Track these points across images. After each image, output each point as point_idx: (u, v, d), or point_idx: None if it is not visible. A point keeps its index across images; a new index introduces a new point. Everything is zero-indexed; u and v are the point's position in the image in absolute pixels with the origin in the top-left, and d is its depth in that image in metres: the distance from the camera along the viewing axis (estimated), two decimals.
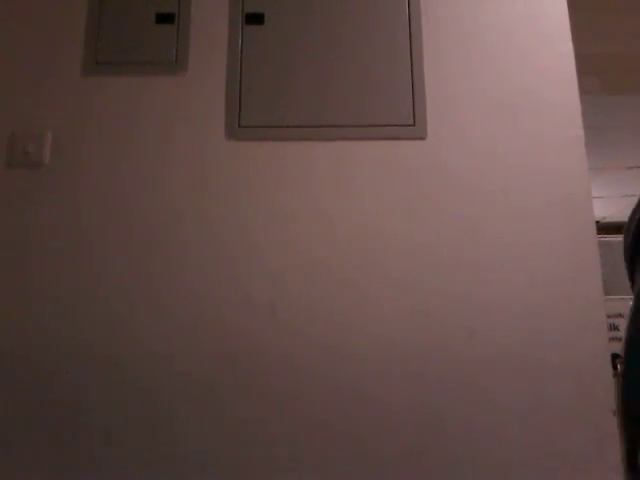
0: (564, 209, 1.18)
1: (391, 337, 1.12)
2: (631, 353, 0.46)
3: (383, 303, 1.14)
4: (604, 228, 5.13)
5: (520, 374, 1.10)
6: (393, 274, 1.16)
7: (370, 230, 1.18)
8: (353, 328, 1.13)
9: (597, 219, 4.93)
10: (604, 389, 1.09)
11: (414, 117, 1.24)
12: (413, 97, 1.25)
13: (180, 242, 1.18)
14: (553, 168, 1.21)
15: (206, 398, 1.10)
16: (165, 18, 1.31)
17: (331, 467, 1.07)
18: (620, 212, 4.70)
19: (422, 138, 1.23)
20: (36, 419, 1.09)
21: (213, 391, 1.10)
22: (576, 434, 1.07)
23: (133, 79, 1.28)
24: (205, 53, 1.29)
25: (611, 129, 3.25)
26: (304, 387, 1.10)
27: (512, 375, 1.10)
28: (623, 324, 4.66)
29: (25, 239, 1.19)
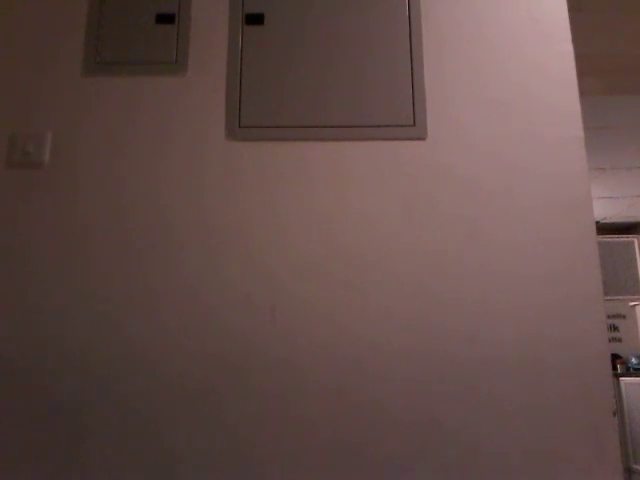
0: (564, 209, 1.18)
1: (390, 338, 1.12)
2: None
3: (382, 305, 1.14)
4: (604, 229, 5.13)
5: (520, 375, 1.10)
6: (392, 275, 1.16)
7: (370, 231, 1.18)
8: (352, 330, 1.13)
9: (597, 219, 4.93)
10: (604, 389, 1.09)
11: (414, 117, 1.24)
12: (413, 97, 1.25)
13: (179, 243, 1.18)
14: (553, 168, 1.21)
15: (204, 400, 1.10)
16: (165, 18, 1.31)
17: (330, 470, 1.07)
18: (620, 213, 4.70)
19: (422, 138, 1.23)
20: (28, 420, 1.09)
21: (211, 393, 1.10)
22: (576, 434, 1.07)
23: (133, 79, 1.28)
24: (205, 53, 1.29)
25: (611, 129, 3.25)
26: (303, 390, 1.10)
27: (512, 376, 1.10)
28: (623, 324, 4.67)
29: (24, 239, 1.19)
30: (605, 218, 4.87)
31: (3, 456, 1.08)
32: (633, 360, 4.34)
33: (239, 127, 1.24)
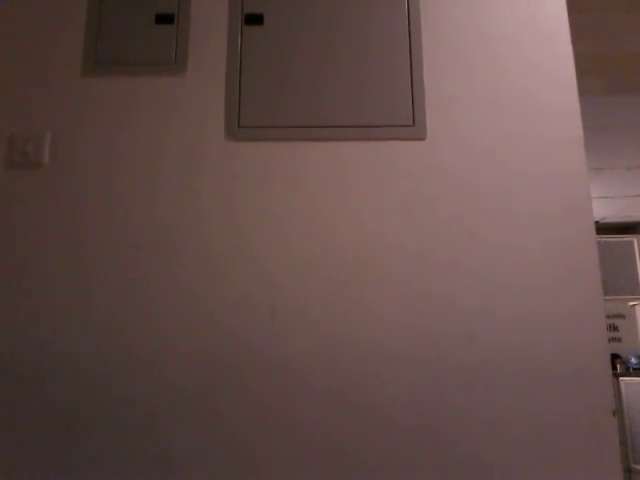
0: (564, 209, 1.18)
1: (389, 339, 1.12)
2: None
3: (381, 306, 1.14)
4: (604, 228, 5.13)
5: (520, 375, 1.10)
6: (391, 276, 1.16)
7: (369, 232, 1.18)
8: (351, 332, 1.13)
9: (596, 219, 4.93)
10: (604, 389, 1.09)
11: (413, 117, 1.24)
12: (412, 97, 1.25)
13: (178, 243, 1.18)
14: (553, 169, 1.21)
15: (203, 401, 1.10)
16: (165, 18, 1.31)
17: (328, 472, 1.06)
18: (620, 212, 4.70)
19: (421, 139, 1.23)
20: (24, 423, 1.09)
21: (210, 394, 1.10)
22: (576, 434, 1.07)
23: (133, 79, 1.28)
24: (205, 53, 1.29)
25: (611, 129, 3.25)
26: (301, 391, 1.10)
27: (512, 376, 1.10)
28: (623, 324, 4.66)
29: (24, 239, 1.18)
30: (604, 218, 4.87)
31: None
32: (633, 360, 4.34)
33: (238, 127, 1.24)
